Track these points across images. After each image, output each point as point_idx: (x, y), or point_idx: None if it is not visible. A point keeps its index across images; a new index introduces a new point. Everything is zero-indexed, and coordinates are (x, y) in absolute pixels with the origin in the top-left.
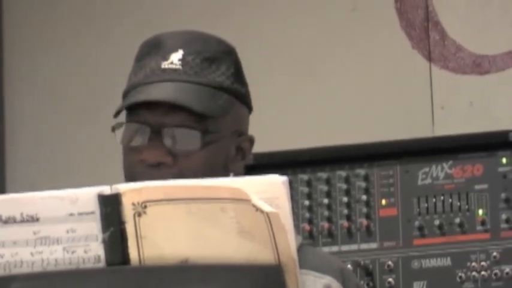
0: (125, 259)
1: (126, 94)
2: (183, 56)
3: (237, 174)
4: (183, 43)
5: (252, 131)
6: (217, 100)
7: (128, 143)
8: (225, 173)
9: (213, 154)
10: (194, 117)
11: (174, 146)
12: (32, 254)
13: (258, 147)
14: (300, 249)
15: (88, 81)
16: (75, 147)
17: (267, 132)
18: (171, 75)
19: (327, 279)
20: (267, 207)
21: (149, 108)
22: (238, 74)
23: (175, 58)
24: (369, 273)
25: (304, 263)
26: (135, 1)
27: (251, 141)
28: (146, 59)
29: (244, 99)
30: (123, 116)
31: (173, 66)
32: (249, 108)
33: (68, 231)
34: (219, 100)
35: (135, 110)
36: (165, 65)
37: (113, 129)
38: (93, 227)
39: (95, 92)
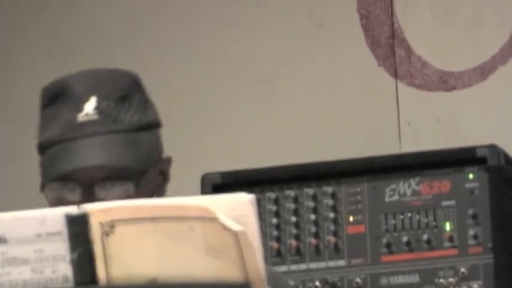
0: (93, 279)
1: (43, 149)
2: (97, 103)
3: (161, 197)
4: (93, 88)
5: (218, 149)
6: (142, 144)
7: (58, 201)
8: None
9: (144, 191)
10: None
11: (108, 199)
12: None
13: (225, 166)
14: None
15: None
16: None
17: (234, 151)
18: (90, 128)
19: None
20: (234, 226)
21: None
22: (147, 101)
23: (90, 108)
24: None
25: None
26: (98, 31)
27: (170, 161)
28: (55, 108)
29: (159, 123)
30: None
31: (90, 118)
32: (161, 124)
33: (35, 252)
34: (143, 142)
35: None
36: (81, 117)
37: (42, 187)
38: (61, 247)
39: None
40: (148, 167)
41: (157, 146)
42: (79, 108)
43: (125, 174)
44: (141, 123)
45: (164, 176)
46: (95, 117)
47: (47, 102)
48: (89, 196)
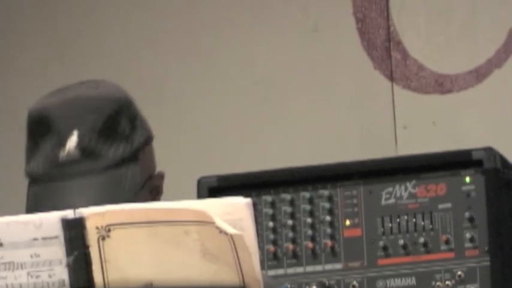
0: (89, 283)
1: (28, 180)
2: (79, 138)
3: None
4: (75, 121)
5: (215, 153)
6: (126, 178)
7: None
8: None
9: None
10: None
11: None
12: None
13: (222, 170)
14: None
15: None
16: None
17: (230, 155)
18: (72, 168)
19: None
20: (231, 229)
21: None
22: (136, 123)
23: (72, 145)
24: None
25: None
26: (98, 34)
27: (162, 176)
28: (37, 139)
29: (148, 142)
30: None
31: (72, 157)
32: (152, 139)
33: (32, 256)
34: (128, 176)
35: None
36: (62, 156)
37: None
38: (57, 251)
39: None
40: (134, 195)
41: (148, 165)
42: (61, 144)
43: None
44: (126, 154)
45: (157, 191)
46: (77, 156)
47: (29, 132)
48: None
